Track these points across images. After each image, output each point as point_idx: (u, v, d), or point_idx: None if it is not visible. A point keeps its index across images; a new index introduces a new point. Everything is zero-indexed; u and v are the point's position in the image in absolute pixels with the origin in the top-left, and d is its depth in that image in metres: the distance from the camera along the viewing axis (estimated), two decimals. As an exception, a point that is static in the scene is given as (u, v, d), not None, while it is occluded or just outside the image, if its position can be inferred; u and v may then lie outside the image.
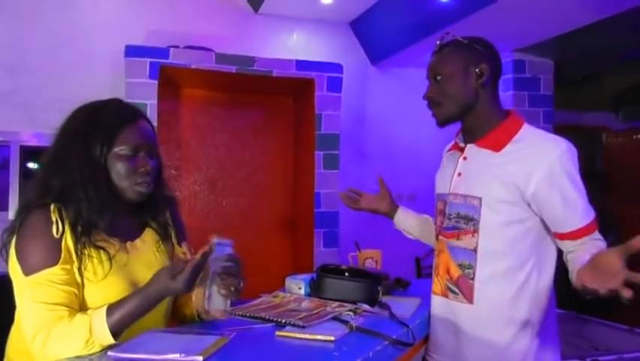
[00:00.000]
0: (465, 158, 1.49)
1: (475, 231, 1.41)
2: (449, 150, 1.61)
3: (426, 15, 3.12)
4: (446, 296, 1.48)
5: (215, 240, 1.24)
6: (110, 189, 1.25)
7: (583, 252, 1.29)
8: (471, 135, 1.49)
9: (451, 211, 1.47)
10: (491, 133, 1.44)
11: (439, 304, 1.51)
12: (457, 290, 1.45)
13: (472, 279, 1.42)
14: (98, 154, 1.24)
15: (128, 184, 1.26)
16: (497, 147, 1.42)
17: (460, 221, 1.44)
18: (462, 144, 1.52)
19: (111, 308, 1.14)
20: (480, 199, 1.40)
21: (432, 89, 1.49)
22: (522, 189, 1.35)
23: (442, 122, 1.49)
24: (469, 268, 1.42)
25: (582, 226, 1.35)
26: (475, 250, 1.41)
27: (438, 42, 1.49)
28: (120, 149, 1.25)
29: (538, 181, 1.33)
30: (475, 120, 1.47)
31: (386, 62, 3.83)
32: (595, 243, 1.35)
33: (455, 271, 1.45)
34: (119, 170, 1.25)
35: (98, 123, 1.26)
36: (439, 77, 1.47)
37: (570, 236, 1.36)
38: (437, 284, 1.52)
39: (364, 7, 3.52)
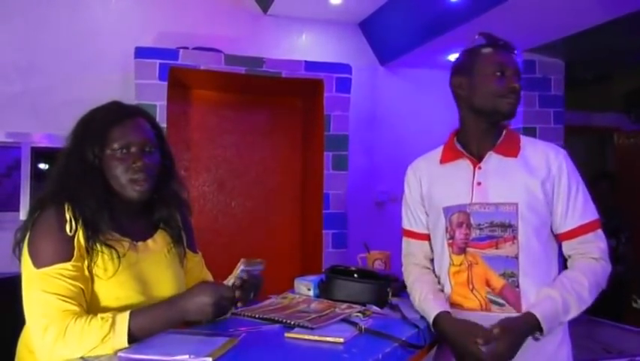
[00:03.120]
0: (480, 167, 1.47)
1: (515, 237, 1.41)
2: (446, 161, 1.54)
3: (435, 15, 3.11)
4: (488, 310, 1.42)
5: (242, 266, 1.23)
6: (108, 191, 1.27)
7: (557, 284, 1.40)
8: (484, 143, 1.49)
9: (481, 221, 1.44)
10: (503, 141, 1.49)
11: (477, 320, 1.37)
12: (502, 301, 1.41)
13: (518, 287, 1.41)
14: (92, 157, 1.26)
15: (125, 182, 1.27)
16: (514, 153, 1.46)
17: (496, 230, 1.42)
18: (468, 154, 1.50)
19: (134, 316, 1.15)
20: (516, 205, 1.41)
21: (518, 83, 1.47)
22: (546, 187, 1.42)
23: (514, 115, 1.48)
24: (513, 277, 1.41)
25: (582, 223, 1.43)
26: (516, 257, 1.41)
27: (503, 42, 1.49)
28: (112, 149, 1.26)
29: (552, 180, 1.42)
30: (499, 126, 1.51)
31: (395, 62, 3.82)
32: (591, 250, 1.42)
33: (498, 282, 1.42)
34: (113, 171, 1.26)
35: (90, 127, 1.28)
36: (518, 75, 1.47)
37: (570, 235, 1.43)
38: (473, 300, 1.45)
39: (373, 8, 3.51)
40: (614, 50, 3.54)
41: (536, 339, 1.35)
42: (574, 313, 1.36)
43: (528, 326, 1.33)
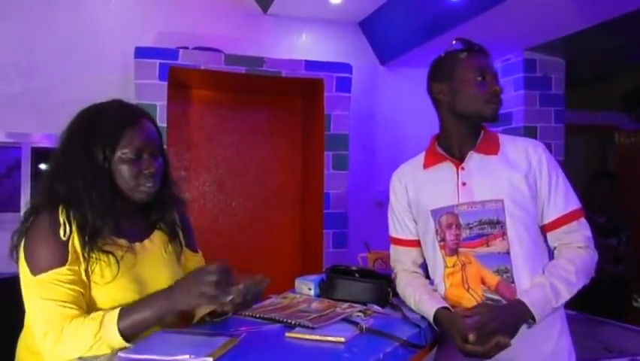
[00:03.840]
0: (463, 168, 1.49)
1: (504, 233, 1.43)
2: (429, 165, 1.55)
3: (435, 15, 3.11)
4: None
5: (242, 287, 1.22)
6: (115, 193, 1.25)
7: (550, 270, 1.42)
8: (466, 145, 1.51)
9: (470, 220, 1.45)
10: (482, 140, 1.51)
11: None
12: (499, 298, 1.42)
13: (513, 282, 1.42)
14: (101, 159, 1.23)
15: (134, 186, 1.26)
16: (494, 151, 1.49)
17: (485, 227, 1.44)
18: (449, 157, 1.52)
19: (124, 310, 1.14)
20: (502, 201, 1.43)
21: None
22: (529, 180, 1.45)
23: (497, 119, 1.49)
24: (507, 272, 1.43)
25: (566, 212, 1.45)
26: (508, 253, 1.43)
27: (479, 47, 1.51)
28: (123, 152, 1.24)
29: (533, 173, 1.45)
30: (478, 128, 1.53)
31: (395, 62, 3.81)
32: (577, 239, 1.45)
33: (492, 279, 1.43)
34: (123, 173, 1.25)
35: (98, 128, 1.25)
36: (497, 78, 1.49)
37: (554, 225, 1.46)
38: (470, 299, 1.45)
39: (373, 7, 3.51)
40: (614, 48, 3.54)
41: (529, 326, 1.36)
42: (565, 296, 1.38)
43: (517, 310, 1.34)
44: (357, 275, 1.64)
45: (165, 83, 2.94)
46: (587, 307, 2.58)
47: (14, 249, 1.21)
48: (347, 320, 1.38)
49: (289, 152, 3.65)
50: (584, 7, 2.69)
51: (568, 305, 1.47)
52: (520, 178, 1.44)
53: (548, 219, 1.47)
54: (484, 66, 1.48)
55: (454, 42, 1.53)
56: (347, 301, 1.56)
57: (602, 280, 1.47)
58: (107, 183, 1.24)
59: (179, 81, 3.17)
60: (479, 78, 1.46)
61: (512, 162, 1.47)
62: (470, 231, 1.45)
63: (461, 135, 1.51)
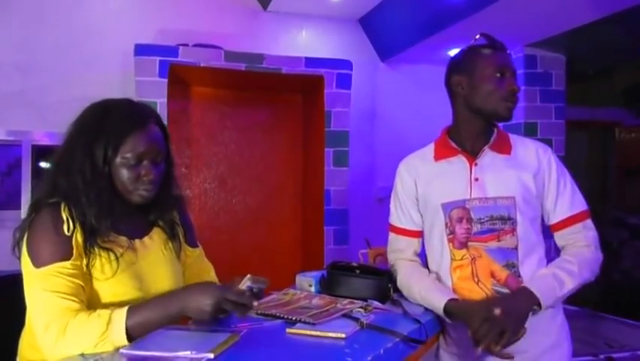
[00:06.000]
0: (476, 164, 1.51)
1: (514, 229, 1.47)
2: (440, 158, 1.56)
3: (435, 11, 3.10)
4: None
5: (248, 282, 1.24)
6: (113, 193, 1.26)
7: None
8: (479, 140, 1.53)
9: (482, 215, 1.48)
10: (496, 139, 1.54)
11: None
12: (507, 291, 1.45)
13: (520, 276, 1.46)
14: (102, 160, 1.23)
15: (131, 190, 1.27)
16: (506, 150, 1.53)
17: (497, 222, 1.47)
18: (462, 151, 1.53)
19: (133, 311, 1.14)
20: (513, 198, 1.47)
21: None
22: (538, 180, 1.49)
23: (511, 118, 1.51)
24: (514, 267, 1.47)
25: (571, 214, 1.50)
26: (516, 248, 1.47)
27: (501, 44, 1.53)
28: (124, 157, 1.24)
29: (542, 174, 1.50)
30: (493, 125, 1.55)
31: (396, 58, 3.81)
32: (580, 239, 1.49)
33: (502, 273, 1.47)
34: (121, 177, 1.25)
35: (104, 128, 1.24)
36: (515, 76, 1.51)
37: (560, 226, 1.51)
38: (479, 292, 1.47)
39: (373, 4, 3.50)
40: (615, 44, 3.53)
41: (534, 312, 1.39)
42: (568, 285, 1.42)
43: (523, 296, 1.38)
44: (357, 271, 1.64)
45: (165, 81, 2.93)
46: (590, 302, 2.57)
47: (16, 244, 1.22)
48: (348, 315, 1.39)
49: (289, 149, 3.65)
50: (584, 2, 2.68)
51: (570, 301, 1.50)
52: (529, 177, 1.49)
53: (555, 220, 1.52)
54: (505, 64, 1.50)
55: (477, 37, 1.56)
56: (348, 297, 1.56)
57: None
58: (106, 183, 1.24)
59: (179, 78, 3.17)
60: (498, 75, 1.48)
61: (523, 162, 1.51)
62: (481, 225, 1.48)
63: (475, 131, 1.53)
